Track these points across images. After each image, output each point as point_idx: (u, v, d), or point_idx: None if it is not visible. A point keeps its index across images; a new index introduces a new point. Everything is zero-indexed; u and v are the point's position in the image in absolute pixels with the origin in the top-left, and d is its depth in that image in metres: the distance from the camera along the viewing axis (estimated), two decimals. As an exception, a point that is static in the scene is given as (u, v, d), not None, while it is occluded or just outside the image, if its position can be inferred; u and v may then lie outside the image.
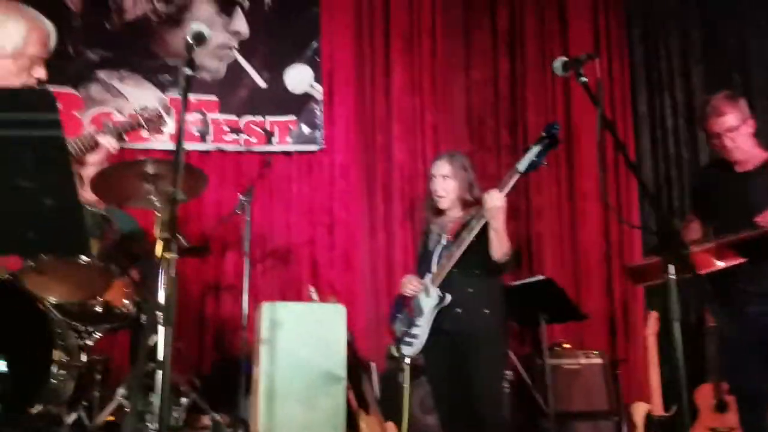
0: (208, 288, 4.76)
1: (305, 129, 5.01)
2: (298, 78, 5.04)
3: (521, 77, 5.26)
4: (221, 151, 4.90)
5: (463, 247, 2.77)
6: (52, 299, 3.30)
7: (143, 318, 3.55)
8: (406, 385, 2.98)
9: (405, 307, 2.96)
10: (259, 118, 4.97)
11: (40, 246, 1.44)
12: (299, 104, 5.01)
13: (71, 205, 1.32)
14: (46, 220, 1.33)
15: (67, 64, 4.64)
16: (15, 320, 2.83)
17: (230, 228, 4.56)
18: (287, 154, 4.99)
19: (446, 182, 2.94)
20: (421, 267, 2.98)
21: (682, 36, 5.23)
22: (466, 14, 5.32)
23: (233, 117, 4.94)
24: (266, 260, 4.84)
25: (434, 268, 2.89)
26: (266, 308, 3.50)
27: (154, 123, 2.38)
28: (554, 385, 3.84)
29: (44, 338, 3.17)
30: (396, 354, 2.94)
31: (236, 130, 4.93)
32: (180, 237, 1.67)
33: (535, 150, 2.74)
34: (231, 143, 4.91)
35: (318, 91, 5.04)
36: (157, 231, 1.77)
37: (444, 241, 2.91)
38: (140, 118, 2.35)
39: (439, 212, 3.01)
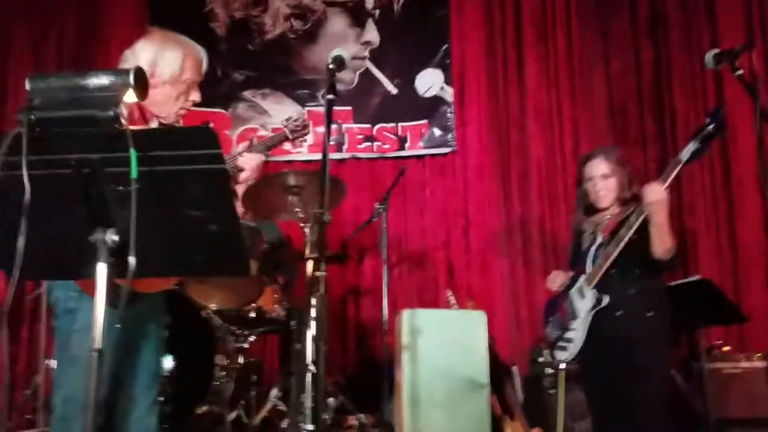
0: (348, 292, 4.92)
1: (437, 132, 5.04)
2: (429, 82, 5.08)
3: (666, 64, 4.92)
4: (356, 159, 5.05)
5: (621, 245, 2.61)
6: (213, 306, 3.57)
7: (292, 323, 3.75)
8: (561, 390, 2.86)
9: (558, 310, 2.85)
10: (391, 125, 5.06)
11: (207, 268, 1.56)
12: (430, 108, 5.05)
13: (234, 231, 1.43)
14: (212, 245, 1.45)
15: (216, 87, 4.93)
16: (182, 326, 3.08)
17: (368, 233, 4.68)
18: (420, 158, 5.05)
19: (608, 181, 2.77)
20: (575, 268, 2.85)
21: None
22: (603, 3, 5.08)
23: (367, 125, 5.07)
24: (403, 264, 4.91)
25: (589, 268, 2.74)
26: (406, 315, 3.54)
27: (299, 132, 2.44)
28: (713, 391, 3.62)
29: (207, 342, 3.46)
30: (549, 359, 2.83)
31: (370, 138, 5.06)
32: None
33: (699, 137, 2.54)
34: (365, 151, 5.05)
35: (449, 93, 5.05)
36: (306, 251, 1.85)
37: (599, 240, 2.76)
38: (286, 130, 2.42)
39: (592, 211, 2.85)
